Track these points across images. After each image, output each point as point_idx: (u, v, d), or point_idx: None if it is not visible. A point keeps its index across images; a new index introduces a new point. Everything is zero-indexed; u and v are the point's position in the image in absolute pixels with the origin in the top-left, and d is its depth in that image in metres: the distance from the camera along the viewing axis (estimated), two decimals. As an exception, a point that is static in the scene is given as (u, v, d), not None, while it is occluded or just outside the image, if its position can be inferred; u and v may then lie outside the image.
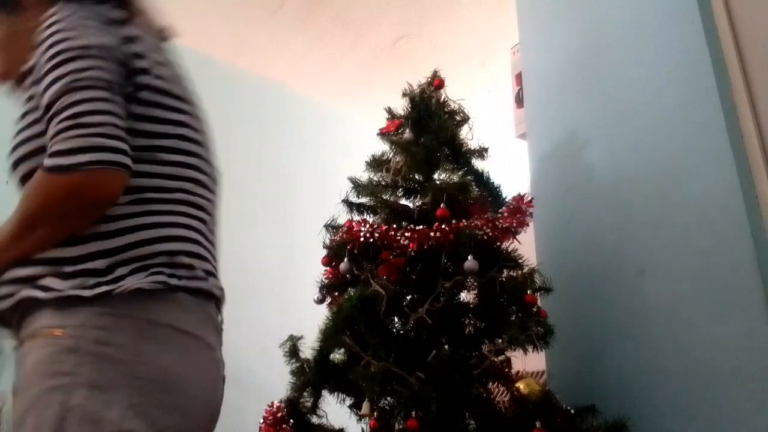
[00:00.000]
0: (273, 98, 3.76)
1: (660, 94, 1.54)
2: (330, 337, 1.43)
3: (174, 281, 0.77)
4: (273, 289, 3.31)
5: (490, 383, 1.44)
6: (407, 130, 1.67)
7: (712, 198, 1.36)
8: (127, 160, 0.75)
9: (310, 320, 1.51)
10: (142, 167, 0.79)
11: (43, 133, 0.77)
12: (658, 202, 1.49)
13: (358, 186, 1.70)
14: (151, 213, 0.79)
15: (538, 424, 1.21)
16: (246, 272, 3.27)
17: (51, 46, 0.78)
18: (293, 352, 1.51)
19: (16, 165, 0.82)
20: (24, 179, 0.80)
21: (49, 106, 0.76)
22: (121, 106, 0.78)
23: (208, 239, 0.87)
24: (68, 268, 0.75)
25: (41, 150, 0.76)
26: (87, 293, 0.72)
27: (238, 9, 3.19)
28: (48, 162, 0.73)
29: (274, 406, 1.47)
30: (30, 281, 0.75)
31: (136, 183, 0.78)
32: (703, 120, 1.41)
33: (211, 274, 0.86)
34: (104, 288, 0.73)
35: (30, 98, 0.82)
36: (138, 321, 0.73)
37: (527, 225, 1.50)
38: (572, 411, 1.33)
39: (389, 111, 1.78)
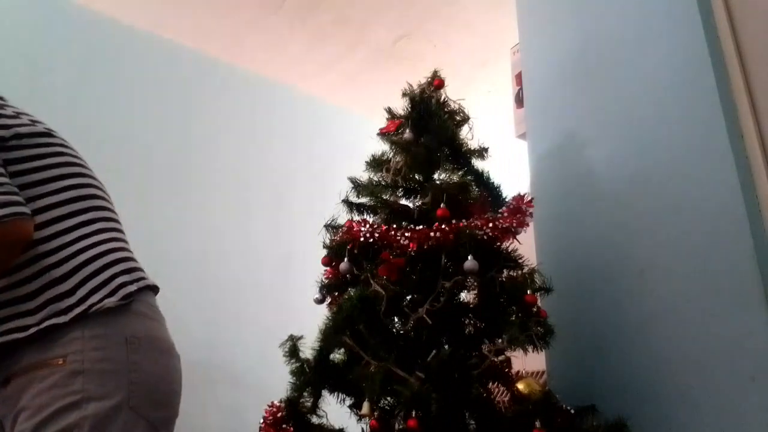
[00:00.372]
0: (273, 98, 3.76)
1: (660, 94, 1.54)
2: (330, 337, 1.43)
3: (133, 287, 0.95)
4: (273, 289, 3.31)
5: (490, 383, 1.45)
6: (407, 130, 1.67)
7: (712, 198, 1.36)
8: (27, 209, 0.89)
9: (310, 320, 1.51)
10: (46, 200, 0.94)
11: None
12: (658, 202, 1.49)
13: (358, 186, 1.70)
14: (82, 236, 0.96)
15: (538, 424, 1.20)
16: (246, 272, 3.27)
17: None
18: (293, 352, 1.51)
19: None
20: None
21: None
22: (3, 168, 0.91)
23: (126, 242, 1.05)
24: (31, 304, 0.88)
25: None
26: (63, 319, 0.87)
27: (238, 9, 3.19)
28: None
29: (274, 406, 1.47)
30: None
31: (48, 216, 0.94)
32: (703, 120, 1.41)
33: (141, 269, 1.04)
34: (77, 310, 0.88)
35: None
36: (125, 339, 0.90)
37: (527, 225, 1.50)
38: (572, 411, 1.33)
39: (389, 111, 1.78)
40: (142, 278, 1.03)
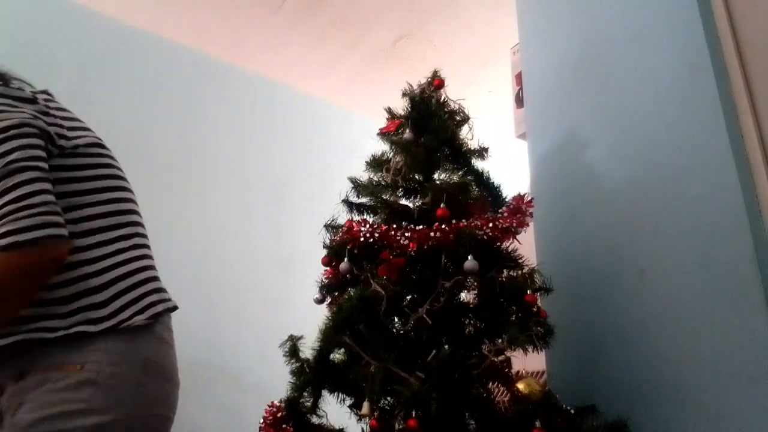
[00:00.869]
0: (273, 98, 3.76)
1: (660, 94, 1.54)
2: (330, 337, 1.43)
3: (161, 308, 0.99)
4: (273, 289, 3.31)
5: (490, 383, 1.44)
6: (407, 130, 1.67)
7: (712, 198, 1.36)
8: (65, 231, 0.91)
9: (310, 320, 1.51)
10: (91, 210, 0.98)
11: None
12: (658, 202, 1.49)
13: (358, 186, 1.70)
14: (121, 250, 0.99)
15: (538, 424, 1.20)
16: (246, 272, 3.27)
17: None
18: (293, 352, 1.51)
19: None
20: None
21: None
22: (49, 179, 0.92)
23: (153, 259, 1.10)
24: (64, 308, 0.91)
25: None
26: (92, 329, 0.90)
27: (238, 9, 3.19)
28: (3, 241, 0.85)
29: (274, 406, 1.47)
30: (26, 322, 0.90)
31: (91, 225, 0.97)
32: (703, 120, 1.41)
33: (165, 289, 1.08)
34: (107, 324, 0.91)
35: None
36: (143, 359, 0.94)
37: (527, 225, 1.50)
38: (572, 411, 1.32)
39: (389, 111, 1.78)
40: (168, 299, 1.07)
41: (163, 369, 0.99)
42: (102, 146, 1.09)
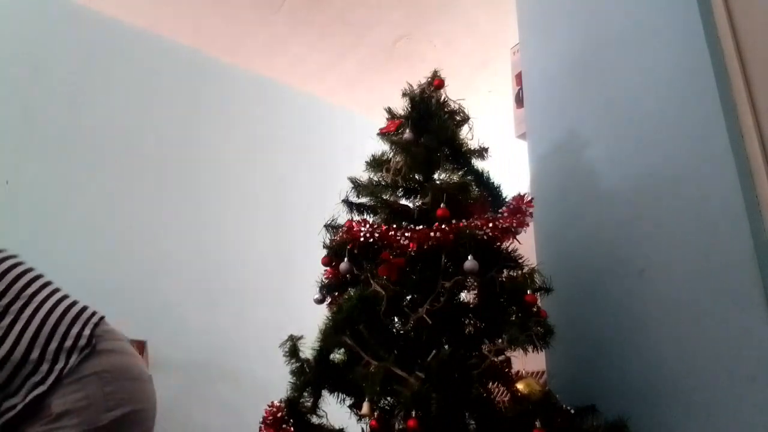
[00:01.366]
0: (273, 98, 3.76)
1: (660, 94, 1.54)
2: (330, 337, 1.43)
3: (87, 331, 1.08)
4: (273, 289, 3.31)
5: (490, 383, 1.44)
6: (407, 130, 1.67)
7: (712, 198, 1.36)
8: None
9: (310, 320, 1.51)
10: None
11: None
12: (658, 202, 1.49)
13: (358, 186, 1.70)
14: (16, 318, 1.05)
15: (538, 424, 1.20)
16: (246, 272, 3.27)
17: None
18: (293, 352, 1.51)
19: None
20: None
21: None
22: None
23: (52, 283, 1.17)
24: (11, 388, 1.00)
25: None
26: (43, 388, 1.00)
27: (238, 9, 3.19)
28: None
29: (274, 406, 1.47)
30: None
31: None
32: (703, 120, 1.41)
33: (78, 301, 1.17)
34: (51, 378, 1.00)
35: None
36: (95, 375, 1.03)
37: (527, 225, 1.50)
38: (572, 411, 1.32)
39: (389, 111, 1.78)
40: (89, 316, 1.13)
41: (124, 373, 1.08)
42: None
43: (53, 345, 1.05)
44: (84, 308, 1.15)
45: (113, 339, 1.14)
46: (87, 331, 1.09)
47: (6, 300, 1.07)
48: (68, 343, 1.06)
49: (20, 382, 1.02)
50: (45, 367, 1.03)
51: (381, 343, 1.37)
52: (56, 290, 1.16)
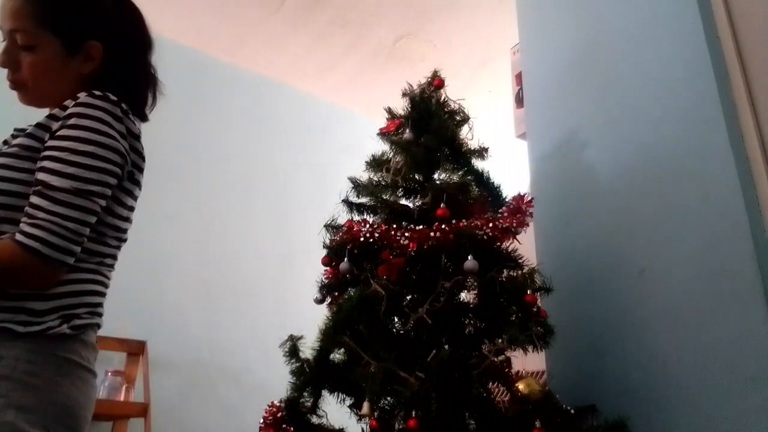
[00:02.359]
0: (273, 98, 3.76)
1: (660, 93, 1.54)
2: (330, 337, 1.43)
3: (84, 322, 0.96)
4: (273, 289, 3.31)
5: (490, 383, 1.44)
6: (407, 130, 1.67)
7: (712, 198, 1.36)
8: (73, 260, 0.91)
9: (310, 320, 1.51)
10: (91, 246, 0.96)
11: (22, 181, 0.92)
12: (658, 202, 1.49)
13: (358, 186, 1.70)
14: (79, 272, 0.96)
15: (538, 424, 1.21)
16: (246, 272, 3.27)
17: (76, 131, 0.92)
18: (293, 352, 1.51)
19: None
20: None
21: (47, 185, 0.89)
22: (100, 212, 0.95)
23: (105, 290, 1.06)
24: (6, 303, 0.89)
25: (19, 196, 0.91)
26: (20, 329, 0.88)
27: (238, 9, 3.19)
28: (26, 241, 0.86)
29: (274, 406, 1.47)
30: None
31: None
32: (703, 120, 1.41)
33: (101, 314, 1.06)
34: (35, 328, 0.89)
35: (31, 138, 0.94)
36: (58, 358, 0.91)
37: (527, 225, 1.50)
38: (572, 411, 1.33)
39: (389, 111, 1.78)
40: (94, 317, 1.04)
41: (81, 372, 0.96)
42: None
43: (63, 311, 0.97)
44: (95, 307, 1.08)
45: (91, 347, 1.05)
46: (84, 323, 1.00)
47: (89, 264, 1.01)
48: (70, 316, 0.98)
49: (13, 306, 0.93)
50: (39, 318, 0.93)
51: (381, 343, 1.37)
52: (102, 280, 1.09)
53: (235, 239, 3.31)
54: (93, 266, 0.99)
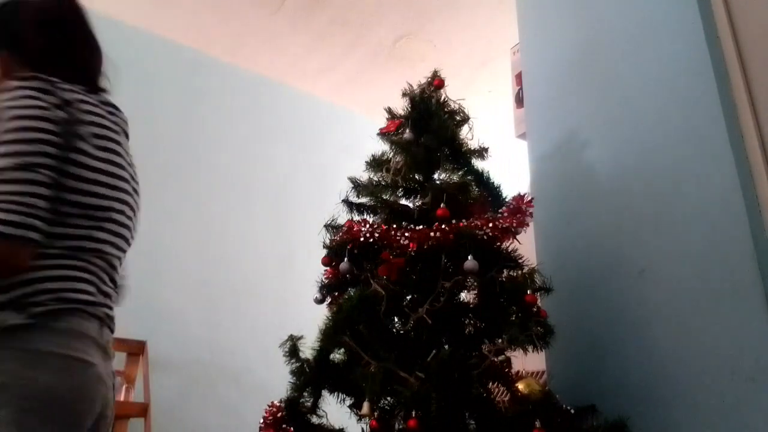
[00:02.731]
0: (273, 98, 3.76)
1: (660, 94, 1.54)
2: (330, 337, 1.43)
3: (48, 308, 0.91)
4: (273, 289, 3.31)
5: (490, 383, 1.44)
6: (407, 130, 1.67)
7: (712, 198, 1.36)
8: (39, 237, 0.90)
9: (310, 320, 1.51)
10: (52, 229, 0.94)
11: None
12: (658, 202, 1.49)
13: (358, 186, 1.70)
14: (41, 259, 0.93)
15: (538, 424, 1.21)
16: (246, 272, 3.27)
17: (6, 113, 0.92)
18: (293, 352, 1.51)
19: None
20: None
21: None
22: (52, 184, 0.93)
23: (104, 277, 1.03)
24: None
25: None
26: None
27: (238, 9, 3.19)
28: None
29: (274, 406, 1.47)
30: None
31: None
32: (703, 120, 1.41)
33: (101, 304, 1.02)
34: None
35: None
36: (21, 352, 0.89)
37: (527, 225, 1.50)
38: (572, 411, 1.33)
39: (389, 111, 1.78)
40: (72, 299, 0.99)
41: (58, 360, 0.92)
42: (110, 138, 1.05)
43: (19, 301, 0.95)
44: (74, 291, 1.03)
45: (68, 331, 0.99)
46: (55, 306, 0.97)
47: (58, 247, 0.99)
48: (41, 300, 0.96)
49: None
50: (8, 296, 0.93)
51: (381, 343, 1.37)
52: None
53: (235, 239, 3.31)
54: (59, 251, 0.95)
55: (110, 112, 1.08)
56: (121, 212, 1.06)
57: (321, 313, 1.51)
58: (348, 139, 3.88)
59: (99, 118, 1.03)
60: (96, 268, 1.01)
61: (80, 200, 0.98)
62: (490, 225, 1.40)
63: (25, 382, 0.88)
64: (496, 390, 1.51)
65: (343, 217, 1.63)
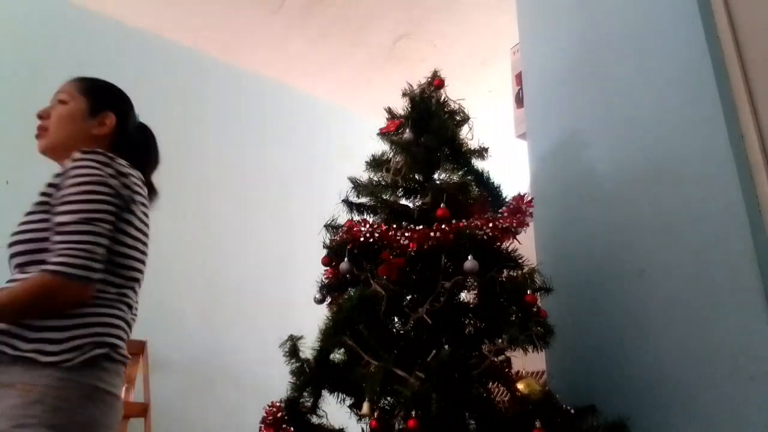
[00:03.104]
0: (273, 98, 3.76)
1: (660, 93, 1.54)
2: (330, 337, 1.43)
3: (97, 353, 1.09)
4: (273, 289, 3.31)
5: (490, 383, 1.44)
6: (407, 130, 1.67)
7: (712, 198, 1.36)
8: (99, 276, 1.09)
9: (310, 320, 1.51)
10: (104, 276, 1.11)
11: (45, 230, 1.10)
12: (658, 202, 1.49)
13: (358, 186, 1.70)
14: (98, 307, 1.12)
15: (538, 424, 1.21)
16: (246, 272, 3.27)
17: (74, 179, 1.11)
18: (293, 352, 1.51)
19: (17, 244, 1.12)
20: (16, 256, 1.12)
21: (60, 223, 1.07)
22: (110, 238, 1.12)
23: (129, 325, 1.24)
24: (30, 334, 1.05)
25: (39, 241, 1.10)
26: (42, 359, 1.03)
27: (238, 9, 3.19)
28: (52, 267, 1.03)
29: (274, 406, 1.47)
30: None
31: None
32: (703, 120, 1.41)
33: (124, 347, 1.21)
34: (53, 359, 1.04)
35: (44, 196, 1.15)
36: (84, 386, 1.06)
37: (527, 225, 1.50)
38: (572, 411, 1.32)
39: (389, 111, 1.78)
40: (112, 346, 1.17)
41: (105, 396, 1.11)
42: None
43: (80, 340, 1.12)
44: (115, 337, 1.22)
45: (111, 375, 1.19)
46: (99, 352, 1.15)
47: (109, 295, 1.16)
48: (86, 349, 1.12)
49: (37, 338, 1.08)
50: (59, 347, 1.09)
51: (381, 343, 1.37)
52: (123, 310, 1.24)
53: (235, 239, 3.30)
54: (111, 298, 1.14)
55: (143, 186, 1.29)
56: (142, 273, 1.25)
57: (321, 313, 1.51)
58: (348, 139, 3.88)
59: (141, 189, 1.25)
60: (125, 316, 1.20)
61: (126, 252, 1.17)
62: (490, 225, 1.40)
63: (83, 411, 1.05)
64: (496, 390, 1.51)
65: (343, 217, 1.64)
